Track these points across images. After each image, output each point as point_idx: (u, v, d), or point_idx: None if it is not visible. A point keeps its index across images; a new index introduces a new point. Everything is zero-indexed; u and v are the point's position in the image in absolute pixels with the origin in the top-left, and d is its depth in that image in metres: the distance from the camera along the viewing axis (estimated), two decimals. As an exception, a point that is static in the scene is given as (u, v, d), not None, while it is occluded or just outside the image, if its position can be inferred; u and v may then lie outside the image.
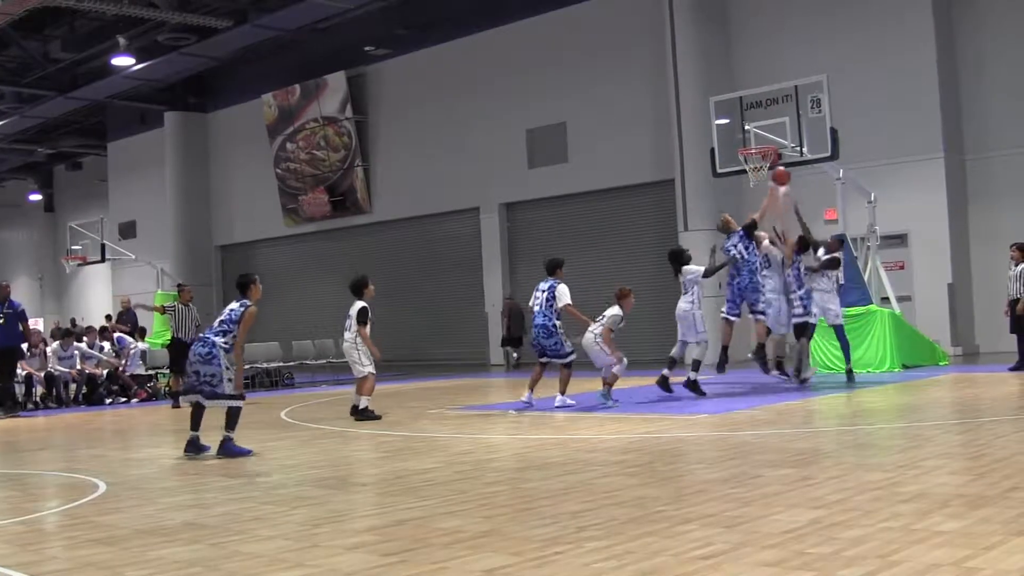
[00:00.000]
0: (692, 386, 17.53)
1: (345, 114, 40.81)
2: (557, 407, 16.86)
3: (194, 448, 12.80)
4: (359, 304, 17.08)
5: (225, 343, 12.57)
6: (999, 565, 5.68)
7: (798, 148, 22.28)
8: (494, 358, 36.17)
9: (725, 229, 18.71)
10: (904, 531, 6.63)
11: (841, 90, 23.99)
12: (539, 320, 16.99)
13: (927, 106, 27.05)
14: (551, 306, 16.86)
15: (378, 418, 17.09)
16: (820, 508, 7.49)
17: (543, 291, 17.04)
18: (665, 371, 17.86)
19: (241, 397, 12.75)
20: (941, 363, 23.21)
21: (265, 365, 28.28)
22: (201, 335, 12.80)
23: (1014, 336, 20.62)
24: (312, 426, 16.40)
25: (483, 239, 37.03)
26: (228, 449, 12.61)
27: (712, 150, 24.11)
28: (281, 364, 28.64)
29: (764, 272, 18.33)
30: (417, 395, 22.39)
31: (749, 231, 18.23)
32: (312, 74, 41.35)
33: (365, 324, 17.01)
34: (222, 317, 12.78)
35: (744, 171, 22.80)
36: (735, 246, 18.20)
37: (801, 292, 18.36)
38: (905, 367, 21.72)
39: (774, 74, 26.24)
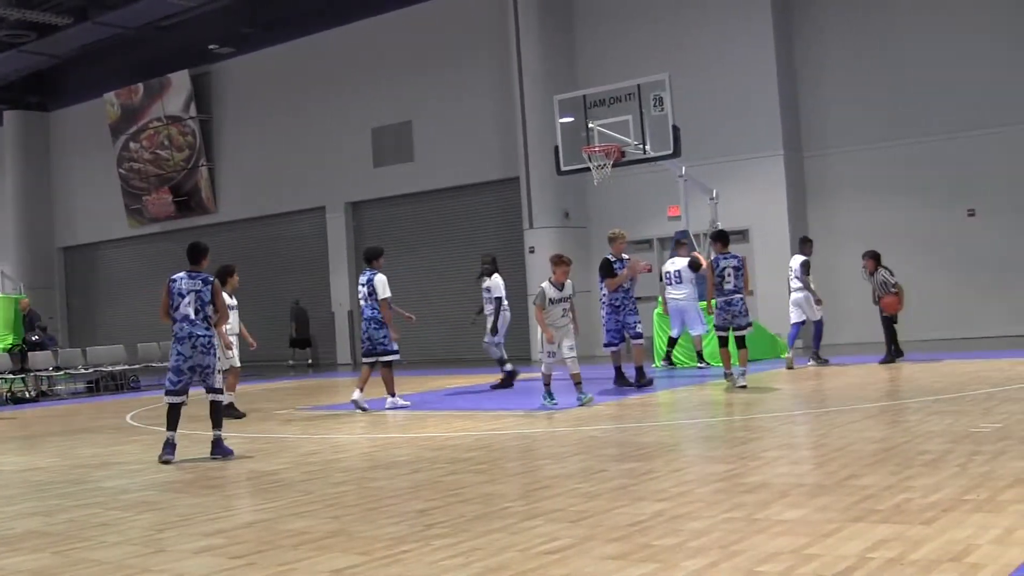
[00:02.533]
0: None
1: (189, 113, 40.32)
2: (388, 408, 16.54)
3: (173, 450, 11.92)
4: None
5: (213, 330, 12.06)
6: (837, 551, 5.81)
7: (641, 146, 22.50)
8: (341, 357, 36.09)
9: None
10: (746, 521, 6.75)
11: (683, 89, 24.30)
12: (367, 313, 16.42)
13: (767, 104, 27.59)
14: (375, 298, 16.26)
15: (242, 416, 16.84)
16: (664, 500, 7.60)
17: (363, 284, 16.49)
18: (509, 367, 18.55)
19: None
20: (782, 356, 23.62)
21: (110, 368, 27.75)
22: (189, 329, 11.78)
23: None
24: (158, 429, 16.04)
25: (329, 238, 36.86)
26: (223, 448, 12.00)
27: (556, 148, 24.23)
28: (126, 367, 28.11)
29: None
30: (265, 396, 22.16)
31: (606, 272, 17.74)
32: (155, 72, 40.74)
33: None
34: (194, 305, 11.85)
35: (588, 169, 22.96)
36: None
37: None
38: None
39: (617, 73, 26.49)
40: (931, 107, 26.19)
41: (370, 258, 16.77)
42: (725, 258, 16.93)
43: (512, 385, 18.84)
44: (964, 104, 25.83)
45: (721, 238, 17.50)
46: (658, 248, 29.16)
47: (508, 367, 18.88)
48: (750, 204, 27.14)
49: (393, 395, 16.68)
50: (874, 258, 20.29)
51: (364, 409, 16.44)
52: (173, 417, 11.96)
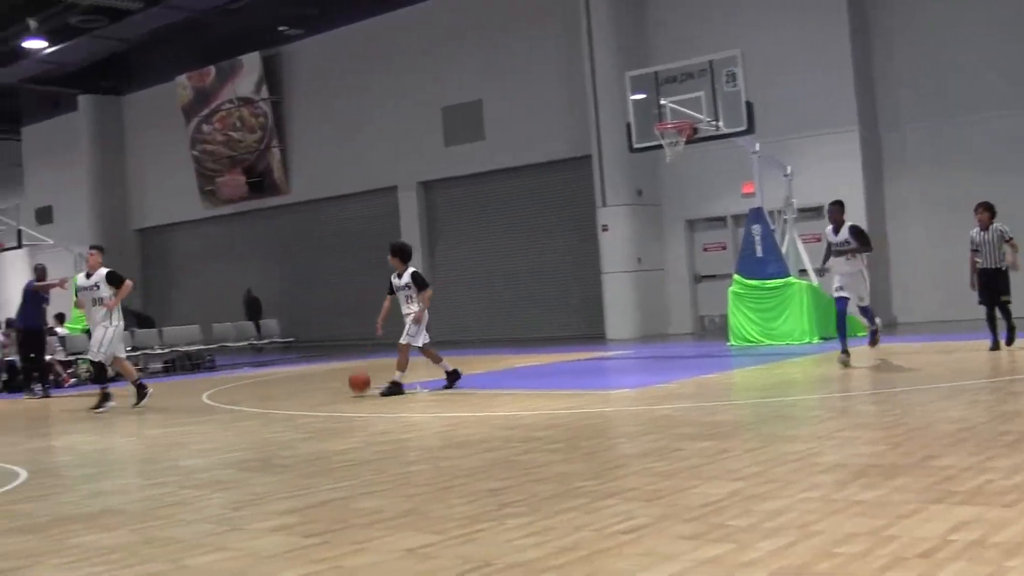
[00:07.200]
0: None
1: (261, 95, 40.55)
2: None
3: None
4: (411, 269, 16.65)
5: None
6: (914, 533, 5.72)
7: (714, 122, 22.36)
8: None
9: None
10: (822, 501, 6.67)
11: (756, 64, 24.08)
12: None
13: (841, 79, 27.24)
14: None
15: (401, 392, 16.22)
16: (739, 480, 7.53)
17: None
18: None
19: None
20: (859, 335, 23.41)
21: (186, 348, 28.01)
22: None
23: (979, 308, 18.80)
24: (233, 408, 16.24)
25: (401, 218, 36.88)
26: None
27: (628, 125, 24.09)
28: (202, 347, 28.39)
29: None
30: (336, 375, 22.21)
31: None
32: (226, 55, 41.00)
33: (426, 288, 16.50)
34: None
35: (660, 146, 22.84)
36: None
37: None
38: (824, 339, 21.92)
39: (689, 49, 26.23)
40: (1011, 81, 25.75)
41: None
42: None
43: None
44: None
45: None
46: (732, 225, 28.97)
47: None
48: (825, 180, 26.79)
49: None
50: (989, 210, 17.24)
51: None
52: None
